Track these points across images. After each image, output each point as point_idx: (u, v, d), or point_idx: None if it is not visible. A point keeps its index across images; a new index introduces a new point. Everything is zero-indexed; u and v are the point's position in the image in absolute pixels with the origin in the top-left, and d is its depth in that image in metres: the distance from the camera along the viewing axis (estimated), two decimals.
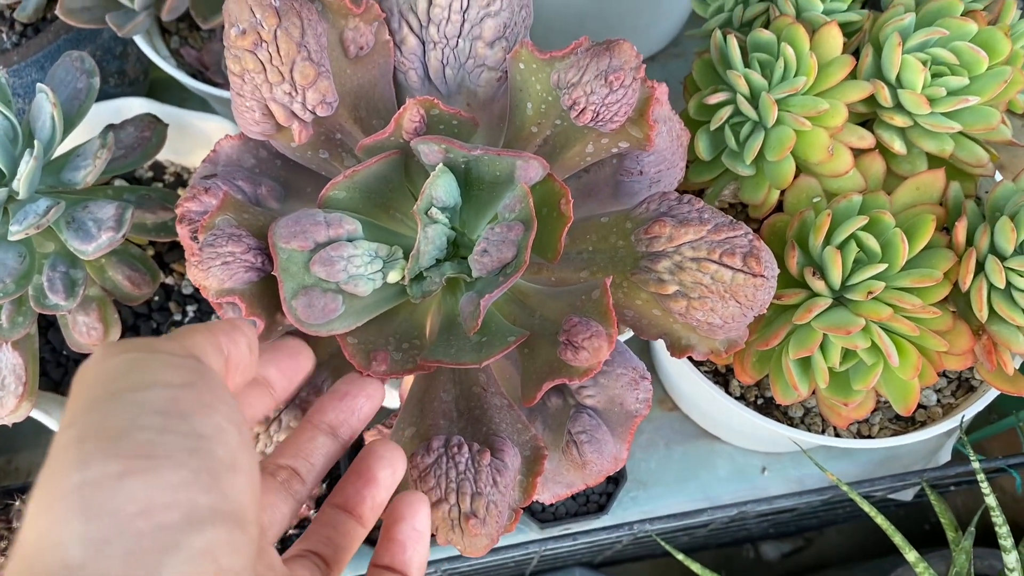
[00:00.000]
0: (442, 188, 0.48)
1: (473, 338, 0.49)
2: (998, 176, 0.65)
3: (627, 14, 0.85)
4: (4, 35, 0.77)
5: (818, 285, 0.55)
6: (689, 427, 0.83)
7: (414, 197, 0.52)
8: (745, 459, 0.82)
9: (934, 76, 0.58)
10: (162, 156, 0.75)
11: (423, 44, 0.51)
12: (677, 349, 0.51)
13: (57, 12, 0.68)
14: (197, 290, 0.70)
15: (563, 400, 0.52)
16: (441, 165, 0.48)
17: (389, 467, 0.40)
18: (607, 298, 0.46)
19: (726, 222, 0.48)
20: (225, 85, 0.75)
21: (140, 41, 0.74)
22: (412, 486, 0.47)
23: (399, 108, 0.50)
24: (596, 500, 0.73)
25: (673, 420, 0.83)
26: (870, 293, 0.53)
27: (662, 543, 0.76)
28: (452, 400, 0.51)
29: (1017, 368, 0.59)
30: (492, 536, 0.46)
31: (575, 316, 0.46)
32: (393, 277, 0.48)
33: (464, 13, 0.50)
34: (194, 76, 0.75)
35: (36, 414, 0.62)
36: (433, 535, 0.48)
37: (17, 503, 0.70)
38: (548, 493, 0.53)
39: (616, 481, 0.74)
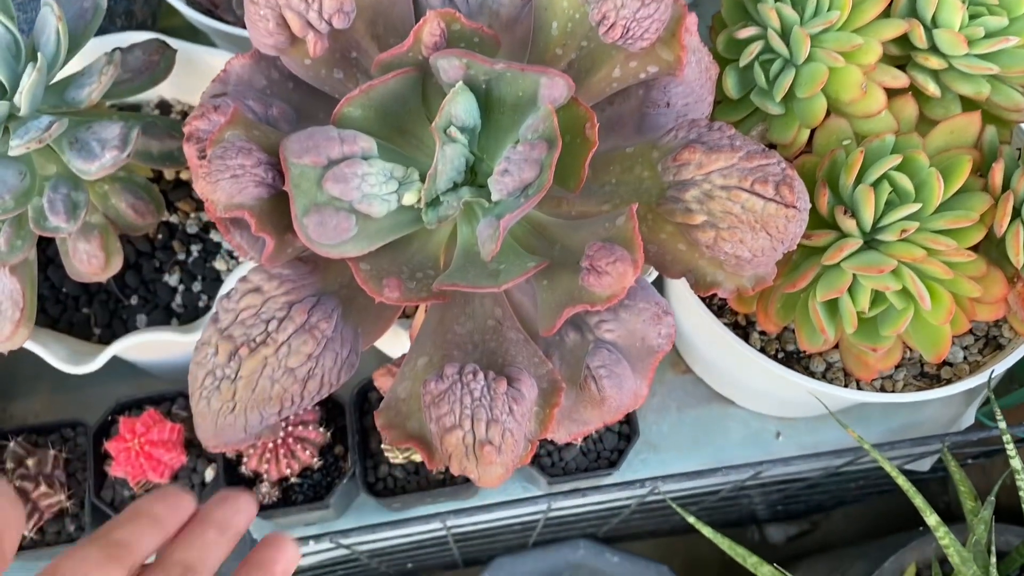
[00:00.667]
0: (461, 106, 0.46)
1: (491, 265, 0.47)
2: None
3: None
4: None
5: (849, 225, 0.53)
6: (702, 390, 0.81)
7: (430, 121, 0.50)
8: (760, 424, 0.80)
9: (972, 16, 0.56)
10: (169, 94, 0.73)
11: None
12: (702, 286, 0.49)
13: None
14: (202, 229, 0.68)
15: (581, 335, 0.50)
16: (461, 83, 0.46)
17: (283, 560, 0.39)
18: (633, 222, 0.44)
19: (758, 150, 0.46)
20: (237, 23, 0.73)
21: None
22: (425, 412, 0.45)
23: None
24: (607, 457, 0.71)
25: (686, 383, 0.81)
26: (903, 232, 0.51)
27: (672, 504, 0.73)
28: (467, 333, 0.50)
29: None
30: (507, 465, 0.44)
31: (600, 242, 0.44)
32: (409, 199, 0.46)
33: None
34: (204, 15, 0.73)
35: (33, 347, 0.60)
36: (447, 467, 0.46)
37: (11, 444, 0.68)
38: (563, 431, 0.50)
39: (628, 438, 0.72)
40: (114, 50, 0.56)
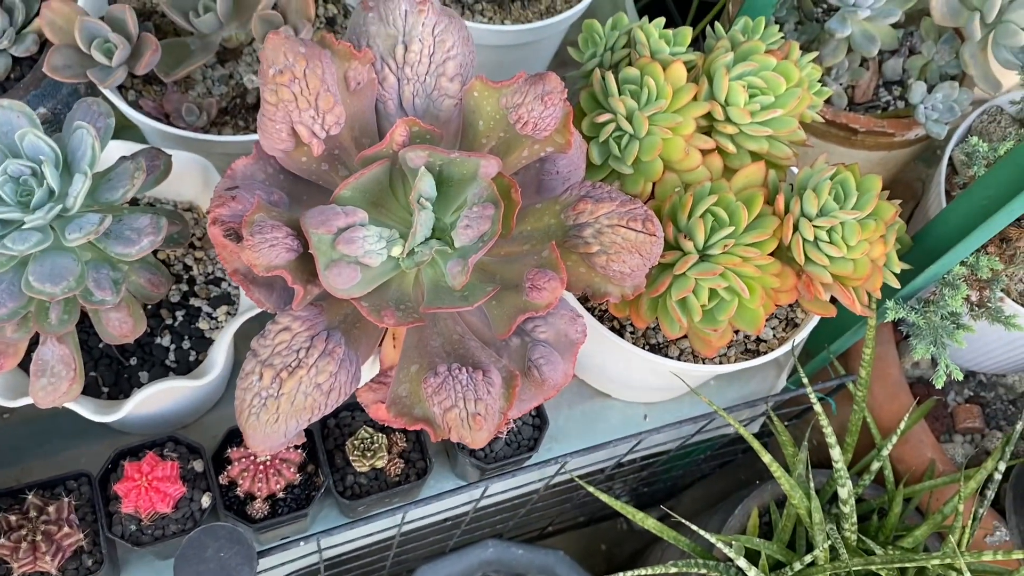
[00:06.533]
0: (426, 184, 0.65)
1: (458, 292, 0.66)
2: (794, 171, 0.89)
3: (509, 69, 1.06)
4: None
5: (688, 246, 0.76)
6: (585, 389, 1.02)
7: (394, 196, 0.69)
8: (631, 410, 1.02)
9: (751, 96, 0.81)
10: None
11: (399, 81, 0.69)
12: (598, 295, 0.70)
13: (44, 70, 0.80)
14: (183, 298, 0.82)
15: (521, 339, 0.70)
16: (423, 168, 0.65)
17: None
18: (556, 253, 0.65)
19: (628, 199, 0.68)
20: (187, 128, 0.88)
21: (109, 94, 0.86)
22: (427, 400, 0.63)
23: (380, 130, 0.67)
24: (526, 444, 0.90)
25: (572, 385, 1.02)
26: (725, 247, 0.75)
27: (576, 479, 0.94)
28: (440, 345, 0.68)
29: (828, 299, 0.82)
30: (491, 430, 0.63)
31: (536, 268, 0.65)
32: (395, 251, 0.65)
33: (431, 57, 0.67)
34: (156, 121, 0.88)
35: (70, 404, 0.72)
36: (448, 436, 0.64)
37: (30, 495, 0.78)
38: (515, 410, 0.70)
39: (540, 428, 0.91)
40: (129, 157, 0.71)
